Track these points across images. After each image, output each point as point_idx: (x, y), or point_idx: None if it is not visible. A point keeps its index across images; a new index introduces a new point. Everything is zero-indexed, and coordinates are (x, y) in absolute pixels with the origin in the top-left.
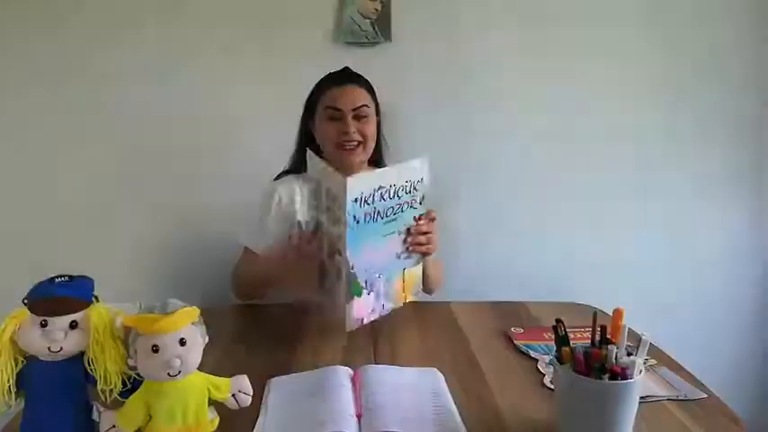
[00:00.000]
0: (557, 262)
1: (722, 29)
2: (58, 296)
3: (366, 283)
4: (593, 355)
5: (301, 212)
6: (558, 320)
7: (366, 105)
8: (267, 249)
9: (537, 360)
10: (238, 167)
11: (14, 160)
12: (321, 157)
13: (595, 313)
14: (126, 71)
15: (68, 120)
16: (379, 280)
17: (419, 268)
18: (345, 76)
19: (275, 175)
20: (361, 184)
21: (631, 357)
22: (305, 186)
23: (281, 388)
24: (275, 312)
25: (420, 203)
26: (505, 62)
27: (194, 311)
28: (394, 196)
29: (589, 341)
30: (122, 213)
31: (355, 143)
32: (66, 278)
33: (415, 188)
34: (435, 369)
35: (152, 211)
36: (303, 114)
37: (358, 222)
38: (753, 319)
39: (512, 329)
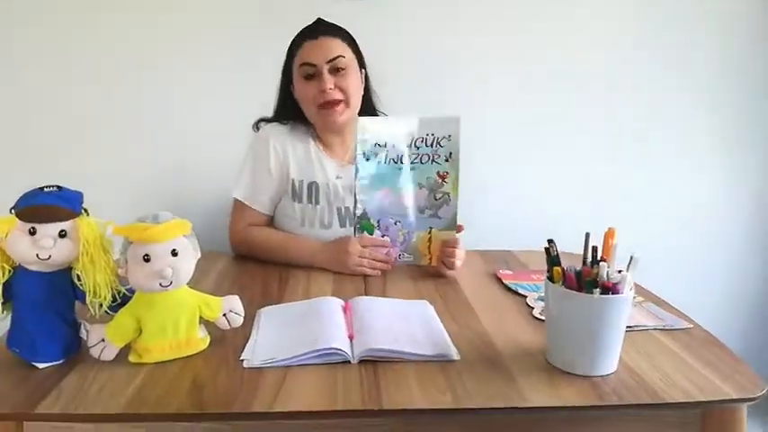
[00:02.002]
0: (544, 223)
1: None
2: (48, 204)
3: (378, 223)
4: (584, 272)
5: (294, 170)
6: (549, 241)
7: (342, 56)
8: (309, 245)
9: (526, 296)
10: (224, 117)
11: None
12: (303, 117)
13: (587, 234)
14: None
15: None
16: (396, 227)
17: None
18: (317, 29)
19: (256, 120)
20: (372, 124)
21: (622, 273)
22: (297, 142)
23: (271, 315)
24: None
25: (447, 161)
26: (499, 18)
27: (186, 224)
28: (411, 145)
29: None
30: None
31: (336, 101)
32: (56, 188)
33: (439, 143)
34: (426, 301)
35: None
36: (282, 76)
37: (368, 159)
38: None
39: (500, 271)
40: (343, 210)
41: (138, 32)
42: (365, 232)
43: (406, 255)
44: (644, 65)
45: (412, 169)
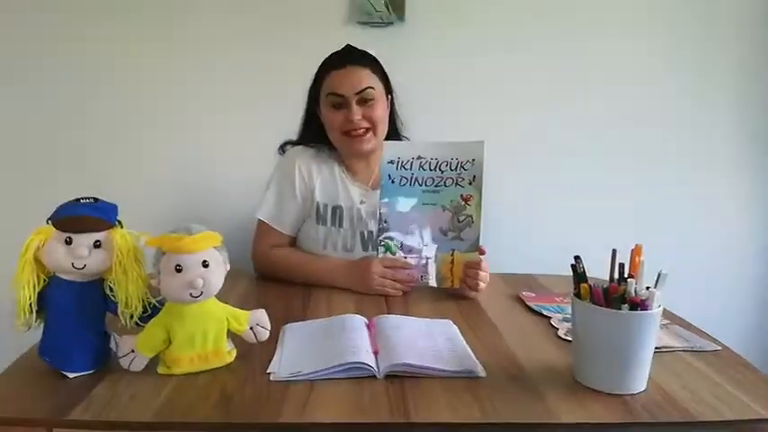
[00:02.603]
0: (565, 248)
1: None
2: (84, 215)
3: (401, 244)
4: (612, 289)
5: (320, 194)
6: (576, 258)
7: (371, 87)
8: (328, 262)
9: (550, 317)
10: (252, 142)
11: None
12: (328, 140)
13: (614, 251)
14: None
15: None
16: (418, 248)
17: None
18: (347, 57)
19: (281, 143)
20: (398, 148)
21: (650, 290)
22: (323, 165)
23: (295, 331)
24: None
25: (470, 184)
26: (518, 43)
27: (216, 236)
28: (435, 169)
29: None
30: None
31: (362, 130)
32: (92, 200)
33: (462, 167)
34: (450, 321)
35: (165, 185)
36: (308, 100)
37: (393, 182)
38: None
39: (523, 293)
40: (366, 234)
41: (169, 58)
42: (388, 252)
43: (427, 276)
44: (663, 87)
45: (436, 192)
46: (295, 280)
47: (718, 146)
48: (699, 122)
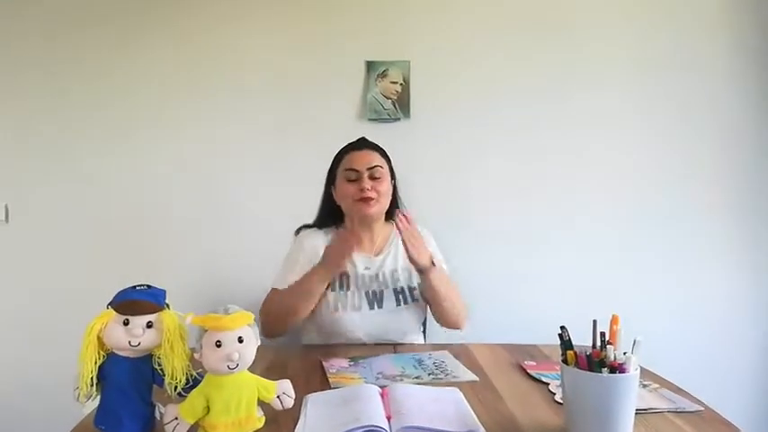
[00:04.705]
0: (563, 314)
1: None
2: (139, 300)
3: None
4: (594, 355)
5: None
6: (562, 327)
7: (380, 166)
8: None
9: (548, 384)
10: (277, 225)
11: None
12: (341, 214)
13: (595, 321)
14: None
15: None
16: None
17: None
18: (363, 143)
19: (298, 227)
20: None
21: (627, 354)
22: (329, 242)
23: (317, 399)
24: (304, 350)
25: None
26: (510, 136)
27: (250, 315)
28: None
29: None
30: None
31: (371, 198)
32: (145, 286)
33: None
34: (456, 388)
35: (192, 261)
36: (326, 181)
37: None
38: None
39: (525, 362)
40: (370, 293)
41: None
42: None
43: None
44: (661, 155)
45: (412, 364)
46: (296, 303)
47: (719, 220)
48: (701, 199)
